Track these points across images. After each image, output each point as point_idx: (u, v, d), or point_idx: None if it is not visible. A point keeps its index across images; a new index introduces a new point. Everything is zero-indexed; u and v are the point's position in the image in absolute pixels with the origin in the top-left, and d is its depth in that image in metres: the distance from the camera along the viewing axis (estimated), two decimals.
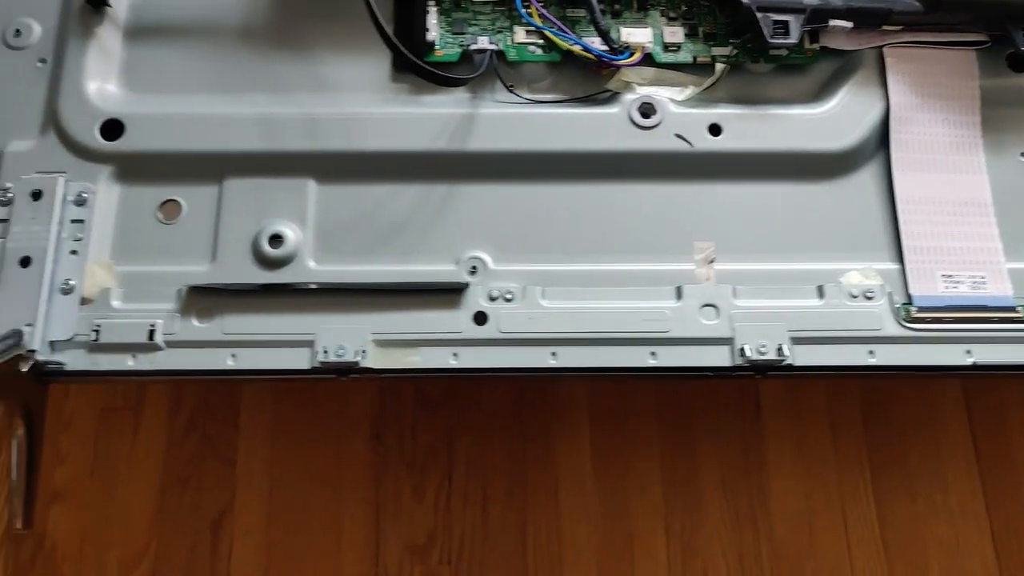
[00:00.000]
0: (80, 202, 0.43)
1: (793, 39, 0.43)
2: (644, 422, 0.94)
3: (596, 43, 0.45)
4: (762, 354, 0.41)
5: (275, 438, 0.95)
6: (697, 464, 0.93)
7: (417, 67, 0.42)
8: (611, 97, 0.46)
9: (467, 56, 0.46)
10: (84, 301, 0.42)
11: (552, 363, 0.42)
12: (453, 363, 0.42)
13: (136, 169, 0.44)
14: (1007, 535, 0.87)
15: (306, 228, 0.44)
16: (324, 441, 0.95)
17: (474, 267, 0.43)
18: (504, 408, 0.95)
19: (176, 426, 0.93)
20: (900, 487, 0.91)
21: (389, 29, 0.47)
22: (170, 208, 0.44)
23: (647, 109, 0.45)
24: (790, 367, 0.41)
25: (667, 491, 0.92)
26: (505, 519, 0.92)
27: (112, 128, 0.44)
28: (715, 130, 0.45)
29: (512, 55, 0.46)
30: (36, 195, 0.43)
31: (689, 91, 0.45)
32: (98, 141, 0.44)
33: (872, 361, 0.41)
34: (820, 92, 0.46)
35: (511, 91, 0.45)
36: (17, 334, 0.40)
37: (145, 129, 0.44)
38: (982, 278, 0.43)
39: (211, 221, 0.44)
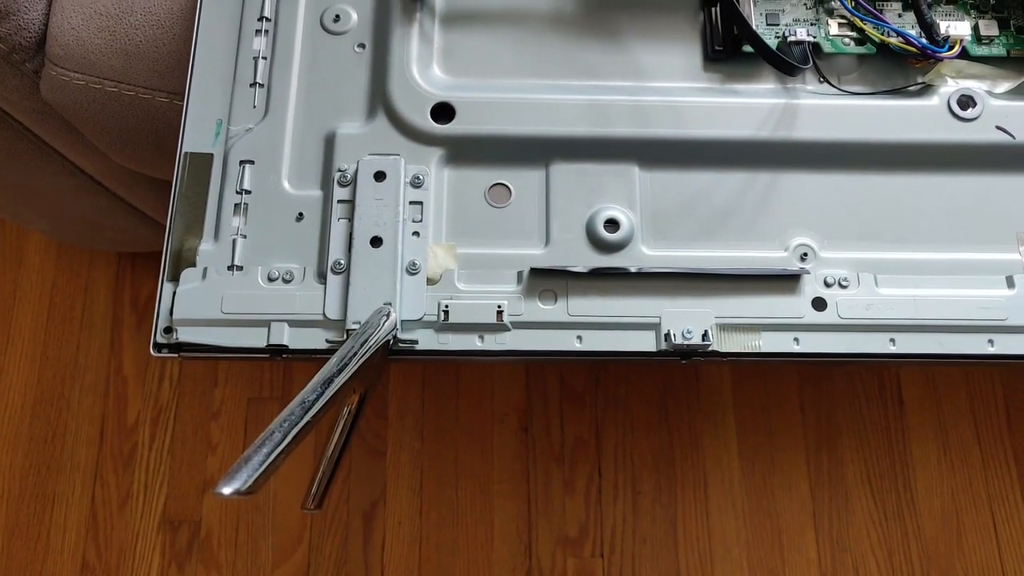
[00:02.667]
0: (417, 184, 0.43)
1: None
2: (788, 416, 0.95)
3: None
4: None
5: (423, 431, 0.95)
6: (842, 460, 0.94)
7: (771, 54, 0.43)
8: (922, 89, 0.46)
9: (782, 47, 0.46)
10: (428, 282, 0.42)
11: (892, 350, 0.42)
12: (795, 348, 0.42)
13: (464, 152, 0.45)
14: None
15: (635, 213, 0.44)
16: (472, 434, 0.95)
17: (804, 254, 0.44)
18: (649, 401, 0.96)
19: (324, 418, 0.93)
20: None
21: (700, 19, 0.48)
22: (499, 191, 0.45)
23: (966, 101, 0.45)
24: None
25: (814, 487, 0.93)
26: (655, 513, 0.93)
27: (442, 111, 0.45)
28: None
29: (828, 47, 0.47)
30: (379, 176, 0.43)
31: (1008, 84, 0.46)
32: (430, 124, 0.44)
33: None
34: None
35: (828, 83, 0.46)
36: (387, 313, 0.40)
37: (474, 112, 0.45)
38: None
39: (540, 204, 0.44)
